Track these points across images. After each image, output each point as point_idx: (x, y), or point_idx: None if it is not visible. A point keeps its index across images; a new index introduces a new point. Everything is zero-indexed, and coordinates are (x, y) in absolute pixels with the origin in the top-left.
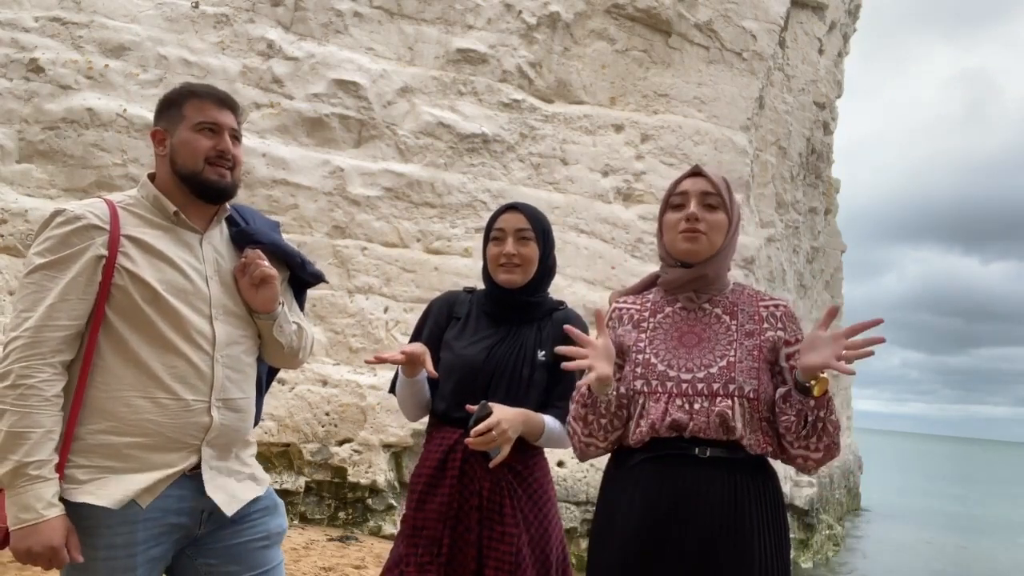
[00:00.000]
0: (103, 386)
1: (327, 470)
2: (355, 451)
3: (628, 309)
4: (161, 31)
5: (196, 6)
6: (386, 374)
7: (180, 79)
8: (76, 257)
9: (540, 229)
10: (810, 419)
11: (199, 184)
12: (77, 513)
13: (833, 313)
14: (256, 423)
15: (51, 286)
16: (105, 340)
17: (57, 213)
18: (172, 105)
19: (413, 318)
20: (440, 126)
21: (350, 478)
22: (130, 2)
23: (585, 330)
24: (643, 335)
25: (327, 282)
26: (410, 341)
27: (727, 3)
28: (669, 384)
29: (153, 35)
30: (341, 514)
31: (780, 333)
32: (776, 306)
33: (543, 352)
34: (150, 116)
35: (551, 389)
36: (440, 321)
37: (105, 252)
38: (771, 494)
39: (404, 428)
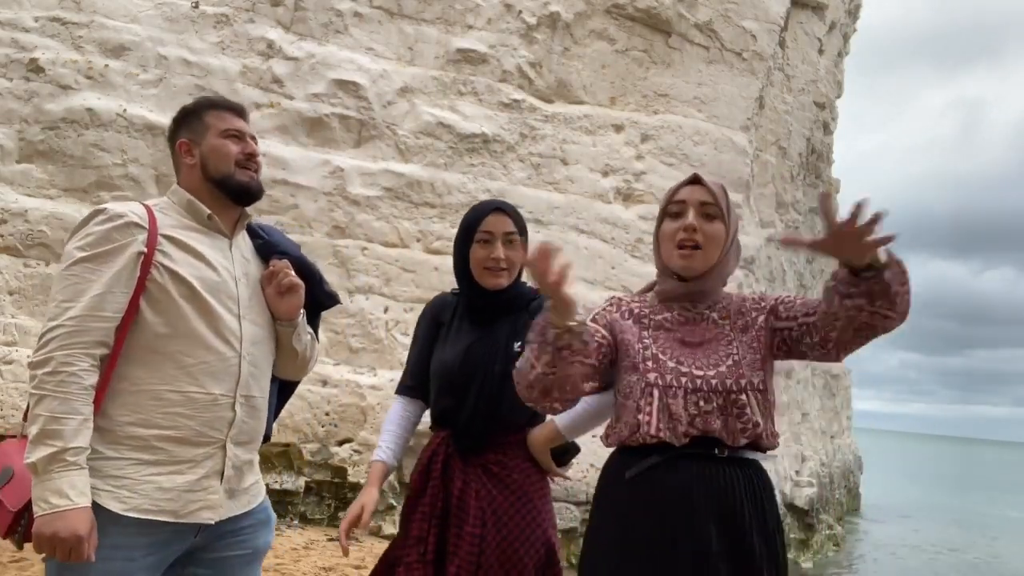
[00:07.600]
0: (133, 379)
1: (327, 470)
2: (355, 451)
3: (628, 303)
4: (161, 31)
5: (196, 6)
6: (386, 374)
7: (180, 79)
8: (119, 252)
9: (523, 229)
10: (893, 289)
11: (232, 186)
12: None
13: (829, 196)
14: (267, 438)
15: (93, 278)
16: (136, 334)
17: (98, 211)
18: (192, 116)
19: (413, 318)
20: (440, 126)
21: (350, 478)
22: (130, 2)
23: None
24: (646, 331)
25: (340, 303)
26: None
27: (727, 3)
28: (684, 379)
29: (153, 35)
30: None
31: (763, 304)
32: (756, 297)
33: (519, 343)
34: (150, 116)
35: None
36: (430, 332)
37: (144, 249)
38: (768, 489)
39: None
